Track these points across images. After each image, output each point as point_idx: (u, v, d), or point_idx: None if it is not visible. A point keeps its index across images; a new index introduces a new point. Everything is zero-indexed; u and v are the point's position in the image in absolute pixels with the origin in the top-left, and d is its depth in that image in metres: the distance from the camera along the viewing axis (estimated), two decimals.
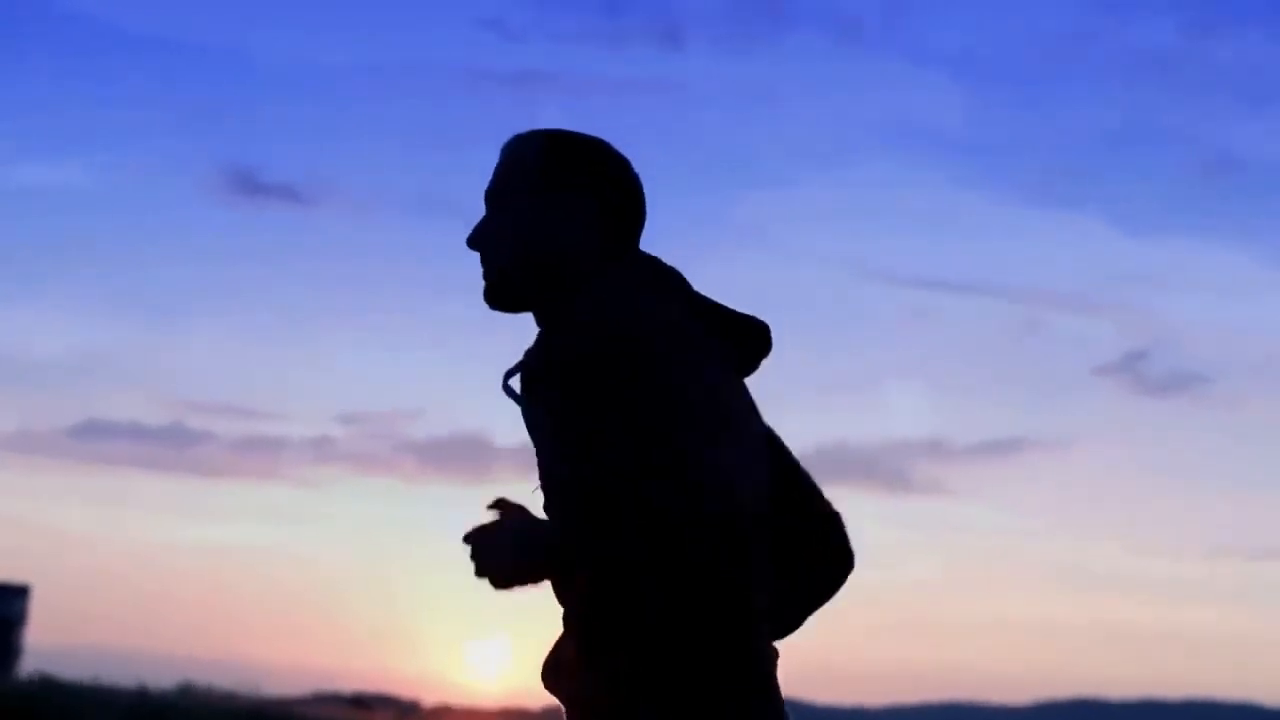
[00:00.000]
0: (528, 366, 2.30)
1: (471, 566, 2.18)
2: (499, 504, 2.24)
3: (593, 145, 2.44)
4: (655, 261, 2.40)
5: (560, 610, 2.32)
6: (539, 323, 2.41)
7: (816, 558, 2.43)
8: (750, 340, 2.38)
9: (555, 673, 2.32)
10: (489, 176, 2.47)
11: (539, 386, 2.27)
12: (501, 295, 2.42)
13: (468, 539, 2.19)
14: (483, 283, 2.43)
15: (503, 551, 2.16)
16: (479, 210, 2.46)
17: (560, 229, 2.39)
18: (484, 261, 2.43)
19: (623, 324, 2.22)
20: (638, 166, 2.47)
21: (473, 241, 2.44)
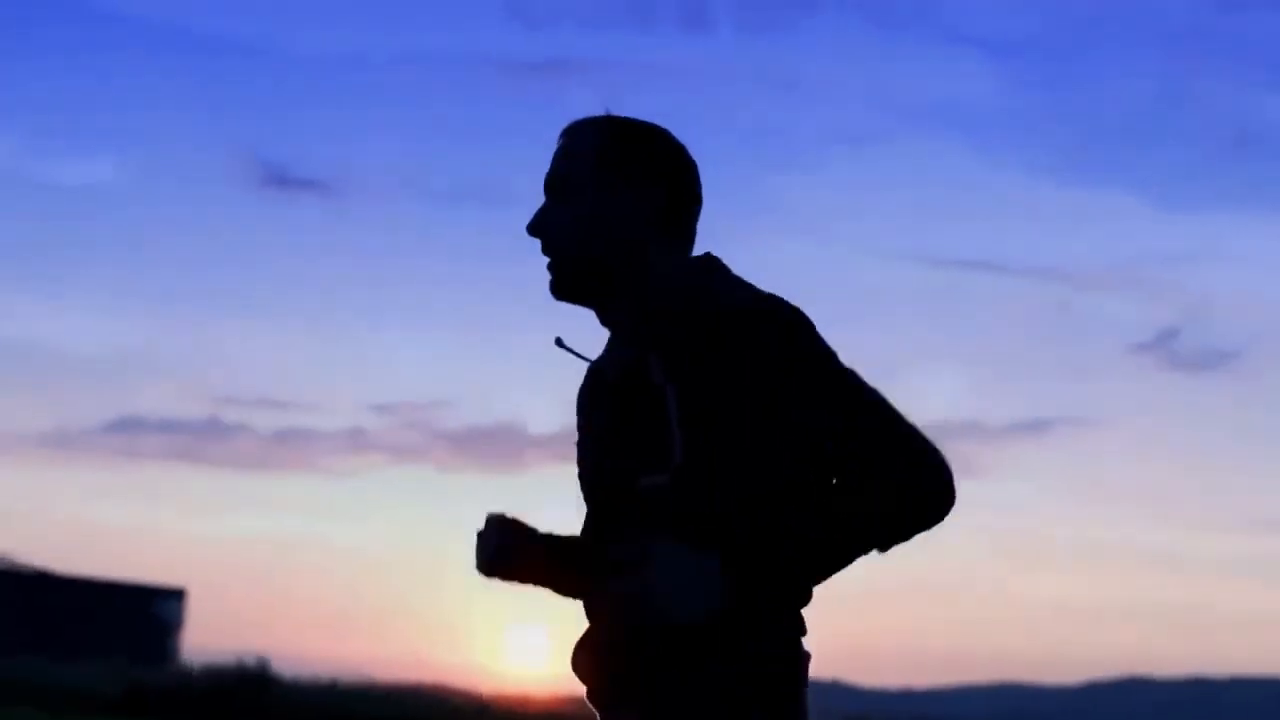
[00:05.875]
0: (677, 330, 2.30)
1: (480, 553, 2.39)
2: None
3: (653, 133, 2.42)
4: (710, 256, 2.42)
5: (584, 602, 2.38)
6: (603, 313, 2.41)
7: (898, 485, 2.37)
8: None
9: (585, 659, 2.36)
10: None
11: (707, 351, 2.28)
12: (566, 286, 2.40)
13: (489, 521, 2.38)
14: (547, 274, 2.41)
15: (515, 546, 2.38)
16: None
17: (622, 220, 2.37)
18: (545, 250, 2.41)
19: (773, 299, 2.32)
20: None
21: (533, 229, 2.42)
